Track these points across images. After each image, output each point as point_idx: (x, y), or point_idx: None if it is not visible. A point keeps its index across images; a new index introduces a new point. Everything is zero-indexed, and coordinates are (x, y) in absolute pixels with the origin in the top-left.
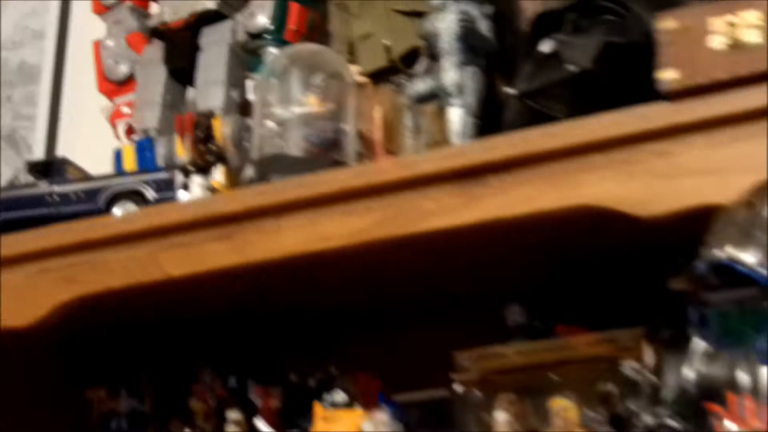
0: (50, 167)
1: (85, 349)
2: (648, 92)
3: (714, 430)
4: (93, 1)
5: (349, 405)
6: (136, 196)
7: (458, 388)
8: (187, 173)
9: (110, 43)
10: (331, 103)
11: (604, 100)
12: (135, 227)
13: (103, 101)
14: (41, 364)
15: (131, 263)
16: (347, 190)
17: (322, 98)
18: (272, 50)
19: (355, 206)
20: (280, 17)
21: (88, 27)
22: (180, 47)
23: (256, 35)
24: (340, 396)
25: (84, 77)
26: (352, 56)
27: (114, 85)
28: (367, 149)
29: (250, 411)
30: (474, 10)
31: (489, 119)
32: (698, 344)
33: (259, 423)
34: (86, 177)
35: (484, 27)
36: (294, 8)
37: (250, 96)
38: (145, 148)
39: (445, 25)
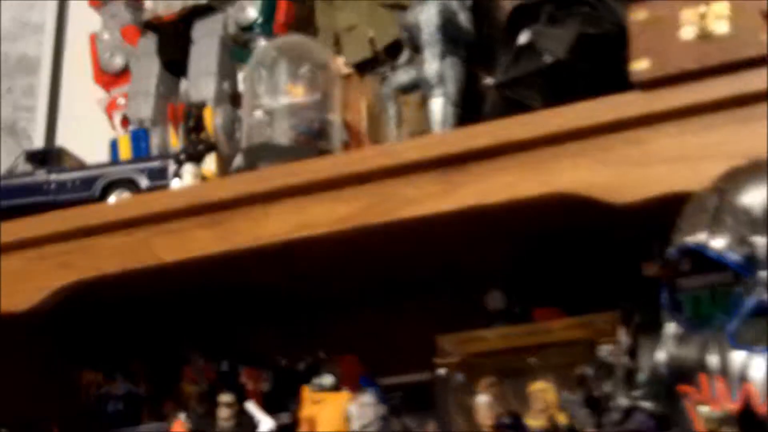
0: (48, 156)
1: (80, 333)
2: (621, 82)
3: (686, 410)
4: None
5: (335, 388)
6: (131, 184)
7: (440, 371)
8: (179, 162)
9: (106, 36)
10: (317, 93)
11: (579, 90)
12: (129, 214)
13: (100, 92)
14: (38, 348)
15: (125, 249)
16: (333, 178)
17: (309, 88)
18: (262, 42)
19: (340, 194)
20: (269, 10)
21: (85, 20)
22: (173, 40)
23: (247, 28)
24: (328, 380)
25: (81, 69)
26: (337, 47)
27: (110, 77)
28: (352, 138)
29: (240, 394)
30: (454, 3)
31: (469, 109)
32: (670, 327)
33: (250, 405)
34: (82, 166)
35: (464, 19)
36: (282, 2)
37: (241, 87)
38: (139, 138)
39: (427, 17)
